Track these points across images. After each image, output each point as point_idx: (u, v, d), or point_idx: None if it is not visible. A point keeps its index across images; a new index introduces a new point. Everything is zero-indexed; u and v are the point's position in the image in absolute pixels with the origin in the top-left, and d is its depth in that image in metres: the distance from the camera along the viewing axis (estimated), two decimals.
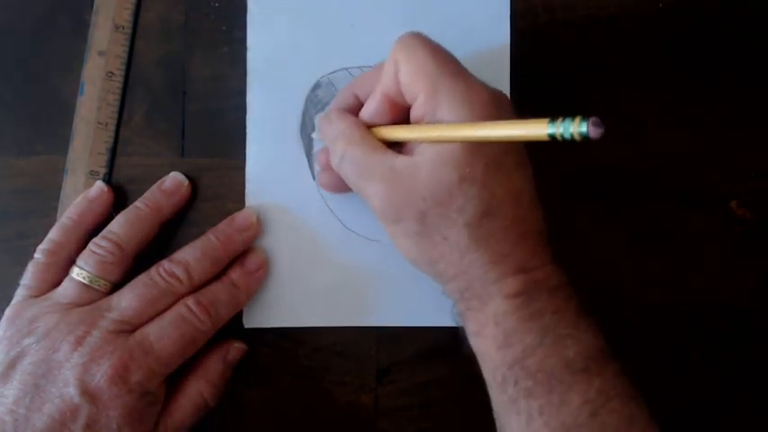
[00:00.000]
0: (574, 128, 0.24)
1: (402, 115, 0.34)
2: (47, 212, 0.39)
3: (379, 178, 0.32)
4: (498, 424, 0.32)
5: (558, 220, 0.33)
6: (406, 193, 0.31)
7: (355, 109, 0.36)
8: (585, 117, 0.24)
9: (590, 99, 0.40)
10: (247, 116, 0.39)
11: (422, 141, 0.32)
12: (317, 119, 0.36)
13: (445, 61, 0.32)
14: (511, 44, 0.40)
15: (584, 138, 0.24)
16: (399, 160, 0.32)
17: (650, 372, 0.40)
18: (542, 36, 0.40)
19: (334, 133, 0.35)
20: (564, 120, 0.25)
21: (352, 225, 0.40)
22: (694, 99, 0.41)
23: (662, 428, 0.30)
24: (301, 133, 0.40)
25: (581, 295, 0.32)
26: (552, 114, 0.26)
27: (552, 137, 0.25)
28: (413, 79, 0.32)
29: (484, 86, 0.32)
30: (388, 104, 0.34)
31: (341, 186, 0.36)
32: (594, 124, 0.24)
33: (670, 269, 0.40)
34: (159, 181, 0.39)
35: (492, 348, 0.31)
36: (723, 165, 0.41)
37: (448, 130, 0.31)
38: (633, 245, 0.40)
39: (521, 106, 0.34)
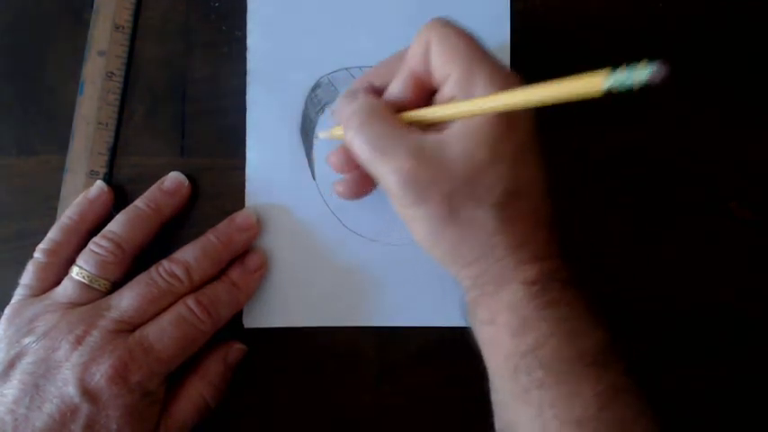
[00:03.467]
0: (639, 72, 0.25)
1: (424, 100, 0.33)
2: (47, 212, 0.39)
3: (404, 155, 0.31)
4: (504, 415, 0.32)
5: (556, 220, 0.33)
6: (434, 172, 0.30)
7: (375, 93, 0.35)
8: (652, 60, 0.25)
9: (590, 99, 0.40)
10: (247, 116, 0.39)
11: (457, 118, 0.31)
12: (339, 99, 0.35)
13: (478, 45, 0.31)
14: (511, 44, 0.40)
15: (644, 84, 0.24)
16: (428, 137, 0.31)
17: (651, 372, 0.40)
18: (542, 36, 0.40)
19: (352, 108, 0.33)
20: (628, 66, 0.25)
21: (352, 225, 0.39)
22: (694, 99, 0.41)
23: (662, 427, 0.30)
24: (301, 133, 0.40)
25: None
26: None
27: (610, 88, 0.25)
28: (445, 59, 0.31)
29: (514, 72, 0.31)
30: (414, 84, 0.33)
31: (349, 167, 0.36)
32: (661, 65, 0.24)
33: (670, 269, 0.40)
34: (159, 181, 0.39)
35: (506, 336, 0.31)
36: (723, 165, 0.41)
37: (485, 101, 0.30)
38: (633, 245, 0.40)
39: None
